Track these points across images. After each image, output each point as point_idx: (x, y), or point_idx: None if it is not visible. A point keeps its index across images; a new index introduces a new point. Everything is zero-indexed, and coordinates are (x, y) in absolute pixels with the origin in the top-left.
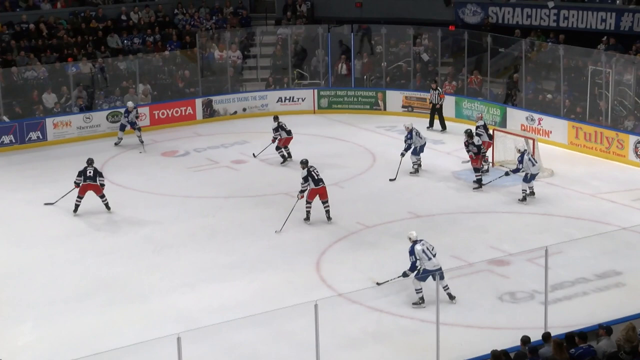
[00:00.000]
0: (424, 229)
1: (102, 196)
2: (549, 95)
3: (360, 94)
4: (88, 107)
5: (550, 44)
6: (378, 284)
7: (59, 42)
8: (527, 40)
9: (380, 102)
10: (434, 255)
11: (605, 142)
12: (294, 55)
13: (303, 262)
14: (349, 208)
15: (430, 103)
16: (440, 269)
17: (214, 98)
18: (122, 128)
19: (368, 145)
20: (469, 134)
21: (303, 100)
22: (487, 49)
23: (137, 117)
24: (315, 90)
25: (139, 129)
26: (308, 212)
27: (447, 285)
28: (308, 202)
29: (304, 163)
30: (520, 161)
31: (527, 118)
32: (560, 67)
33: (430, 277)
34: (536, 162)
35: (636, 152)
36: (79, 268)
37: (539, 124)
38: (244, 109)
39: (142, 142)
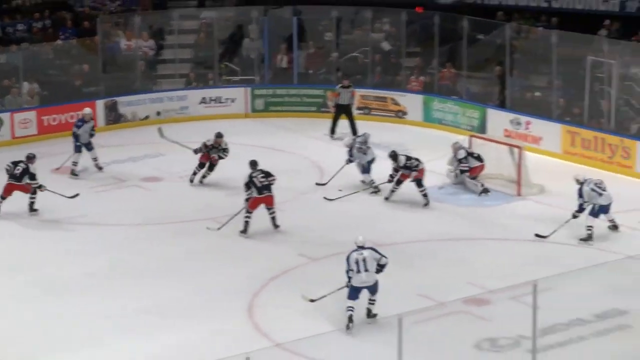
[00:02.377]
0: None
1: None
2: (538, 93)
3: (305, 93)
4: None
5: (540, 29)
6: (312, 300)
7: None
8: (513, 25)
9: (330, 103)
10: (366, 270)
11: (607, 150)
12: (221, 45)
13: (233, 307)
14: (290, 237)
15: (335, 106)
16: (373, 284)
17: (119, 99)
18: (78, 149)
19: (315, 158)
20: (392, 156)
21: (233, 102)
22: (463, 36)
23: (91, 135)
24: (249, 89)
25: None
26: (246, 224)
27: (373, 300)
28: (248, 212)
29: (252, 164)
30: (580, 195)
31: (511, 121)
32: (553, 58)
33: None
34: (604, 192)
35: None
36: None
37: (527, 128)
38: (158, 113)
39: (100, 168)
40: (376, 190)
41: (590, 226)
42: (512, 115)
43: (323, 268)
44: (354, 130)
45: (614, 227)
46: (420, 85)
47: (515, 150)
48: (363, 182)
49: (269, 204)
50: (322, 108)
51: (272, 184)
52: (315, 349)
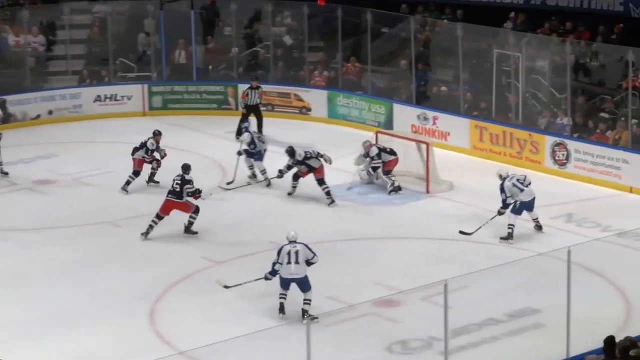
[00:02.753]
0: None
1: None
2: (445, 88)
3: (205, 90)
4: None
5: (445, 21)
6: (226, 287)
7: None
8: (417, 18)
9: (231, 100)
10: (296, 262)
11: (516, 145)
12: (115, 41)
13: (134, 313)
14: (193, 239)
15: (244, 107)
16: (302, 278)
17: (8, 98)
18: None
19: (217, 157)
20: (288, 152)
21: (129, 99)
22: (367, 29)
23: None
24: (146, 86)
25: None
26: (149, 227)
27: (308, 301)
28: (157, 217)
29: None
30: (502, 190)
31: (418, 116)
32: (459, 51)
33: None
34: (525, 187)
35: (554, 157)
36: None
37: (434, 123)
38: (50, 112)
39: (5, 173)
40: (268, 183)
41: (512, 224)
42: (418, 111)
43: (228, 270)
44: (260, 130)
45: (538, 227)
46: (324, 80)
47: (423, 146)
48: (252, 176)
49: (185, 209)
50: (223, 105)
51: (189, 191)
52: (220, 356)
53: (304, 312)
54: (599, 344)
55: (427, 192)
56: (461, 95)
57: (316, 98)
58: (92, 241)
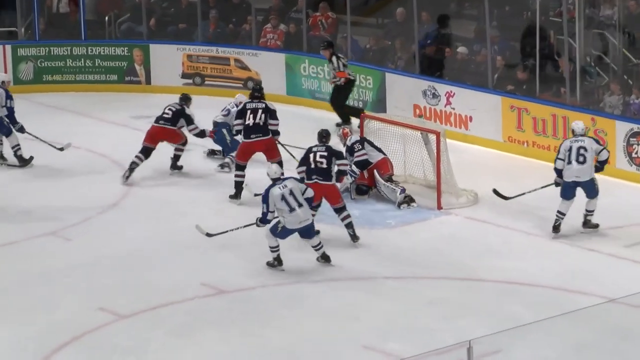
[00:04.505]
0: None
1: None
2: (463, 49)
3: (98, 54)
4: None
5: None
6: (209, 235)
7: None
8: None
9: (139, 68)
10: (299, 205)
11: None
12: None
13: None
14: (90, 277)
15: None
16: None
17: None
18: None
19: (117, 155)
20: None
21: None
22: None
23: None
24: (8, 47)
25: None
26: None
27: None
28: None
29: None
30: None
31: (424, 93)
32: None
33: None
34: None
35: (629, 154)
36: None
37: (448, 103)
38: None
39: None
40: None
41: (561, 213)
42: (424, 84)
43: (136, 331)
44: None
45: (591, 225)
46: (281, 38)
47: (432, 137)
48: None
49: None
50: (127, 77)
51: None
52: None
53: (324, 255)
54: None
55: (439, 207)
56: (488, 60)
57: (269, 65)
58: None
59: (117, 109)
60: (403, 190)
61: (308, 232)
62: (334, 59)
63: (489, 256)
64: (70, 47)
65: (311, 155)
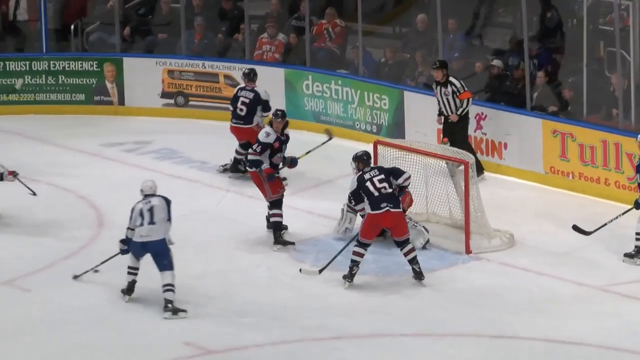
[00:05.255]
0: None
1: None
2: (496, 62)
3: (63, 69)
4: None
5: None
6: (76, 277)
7: None
8: None
9: (111, 87)
10: (151, 222)
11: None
12: None
13: None
14: (52, 335)
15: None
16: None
17: None
18: None
19: (85, 190)
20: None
21: None
22: None
23: None
24: None
25: None
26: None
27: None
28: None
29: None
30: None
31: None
32: None
33: None
34: None
35: None
36: None
37: (478, 127)
38: None
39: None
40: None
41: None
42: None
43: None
44: None
45: None
46: (279, 50)
47: (460, 169)
48: None
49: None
50: (96, 97)
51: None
52: None
53: (167, 303)
54: None
55: (468, 251)
56: (527, 75)
57: (265, 82)
58: None
59: (84, 134)
60: (425, 230)
61: (159, 254)
62: (452, 81)
63: (528, 311)
64: (29, 61)
65: (368, 184)
